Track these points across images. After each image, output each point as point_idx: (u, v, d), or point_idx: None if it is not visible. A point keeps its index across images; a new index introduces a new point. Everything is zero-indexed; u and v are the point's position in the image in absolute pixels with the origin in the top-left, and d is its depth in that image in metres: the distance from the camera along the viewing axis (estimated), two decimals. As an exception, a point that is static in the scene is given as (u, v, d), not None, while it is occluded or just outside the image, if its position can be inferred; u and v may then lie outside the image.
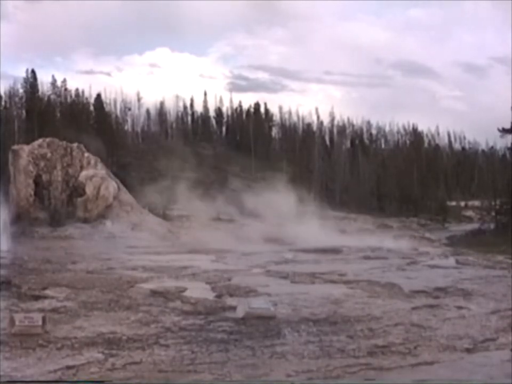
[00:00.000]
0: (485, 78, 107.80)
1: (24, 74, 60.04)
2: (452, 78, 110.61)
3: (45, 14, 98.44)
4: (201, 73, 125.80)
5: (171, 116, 76.79)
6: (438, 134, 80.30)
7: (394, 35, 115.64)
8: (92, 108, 63.45)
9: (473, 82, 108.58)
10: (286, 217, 34.36)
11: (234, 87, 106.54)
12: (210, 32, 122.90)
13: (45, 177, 34.03)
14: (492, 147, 75.01)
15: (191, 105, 78.04)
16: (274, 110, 78.68)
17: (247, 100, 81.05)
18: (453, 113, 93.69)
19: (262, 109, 78.01)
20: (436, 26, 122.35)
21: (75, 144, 35.57)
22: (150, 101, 77.44)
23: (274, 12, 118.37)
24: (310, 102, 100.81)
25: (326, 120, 77.13)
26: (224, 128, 78.96)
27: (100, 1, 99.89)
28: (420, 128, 77.69)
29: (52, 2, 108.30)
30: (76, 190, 34.36)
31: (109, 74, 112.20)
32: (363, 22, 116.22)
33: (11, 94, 59.01)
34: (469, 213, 59.93)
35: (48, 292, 13.96)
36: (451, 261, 23.09)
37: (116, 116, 68.72)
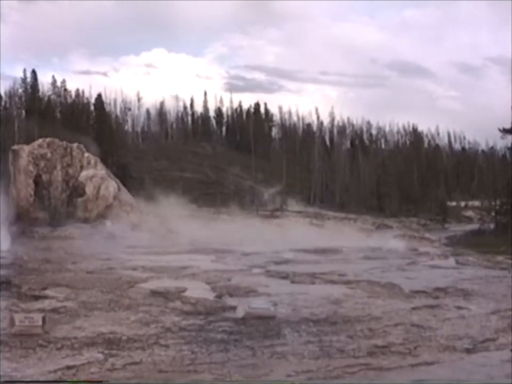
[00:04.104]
0: (481, 78, 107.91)
1: (21, 75, 60.20)
2: (447, 78, 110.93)
3: (41, 14, 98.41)
4: (198, 74, 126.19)
5: (171, 116, 76.88)
6: (438, 134, 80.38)
7: (389, 35, 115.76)
8: (92, 108, 63.46)
9: (469, 82, 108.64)
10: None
11: (231, 88, 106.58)
12: (206, 33, 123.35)
13: (45, 177, 34.01)
14: (492, 147, 75.02)
15: (191, 105, 78.16)
16: (273, 110, 78.84)
17: (244, 100, 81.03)
18: (449, 113, 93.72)
19: (262, 109, 78.13)
20: (430, 27, 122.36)
21: (75, 144, 35.55)
22: (149, 101, 77.53)
23: (269, 12, 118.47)
24: (307, 102, 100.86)
25: (325, 121, 77.24)
26: (224, 128, 79.02)
27: (96, 2, 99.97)
28: (420, 128, 77.79)
29: (48, 2, 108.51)
30: (76, 190, 34.34)
31: (105, 74, 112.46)
32: (358, 22, 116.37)
33: (11, 94, 59.07)
34: (469, 213, 59.92)
35: (48, 292, 13.96)
36: (451, 261, 23.11)
37: (116, 116, 68.76)
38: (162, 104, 76.27)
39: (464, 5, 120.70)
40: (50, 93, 62.60)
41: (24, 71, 60.04)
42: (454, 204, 62.75)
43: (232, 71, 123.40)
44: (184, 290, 14.49)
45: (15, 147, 35.20)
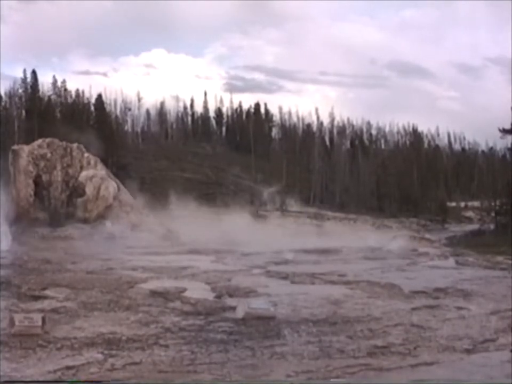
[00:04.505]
0: (480, 78, 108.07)
1: (20, 75, 60.13)
2: (447, 79, 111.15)
3: (40, 14, 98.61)
4: (197, 74, 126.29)
5: (171, 116, 76.90)
6: (438, 134, 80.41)
7: (388, 35, 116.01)
8: (92, 108, 63.44)
9: (469, 82, 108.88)
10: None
11: (231, 88, 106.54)
12: (206, 33, 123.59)
13: (44, 177, 33.98)
14: (492, 148, 75.08)
15: (191, 105, 78.20)
16: (273, 110, 78.83)
17: (243, 101, 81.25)
18: (449, 113, 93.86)
19: (262, 110, 78.14)
20: (430, 27, 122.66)
21: (75, 145, 35.54)
22: (149, 101, 77.57)
23: (269, 12, 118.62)
24: (306, 102, 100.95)
25: (325, 121, 77.24)
26: (224, 129, 79.04)
27: (96, 2, 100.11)
28: (420, 128, 77.83)
29: (47, 3, 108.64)
30: (76, 191, 34.32)
31: (105, 74, 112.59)
32: (357, 22, 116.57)
33: (11, 94, 59.05)
34: (469, 213, 59.96)
35: (48, 292, 13.96)
36: (451, 261, 23.10)
37: (116, 116, 68.75)
38: (162, 104, 76.37)
39: (463, 5, 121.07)
40: (50, 93, 62.59)
41: (24, 71, 60.02)
42: (454, 204, 62.80)
43: (231, 71, 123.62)
44: (184, 290, 14.48)
45: (15, 147, 35.18)
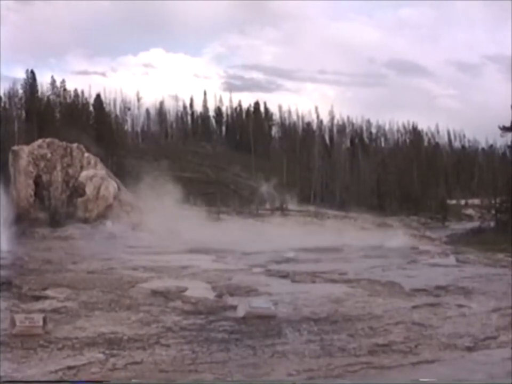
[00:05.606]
0: (478, 76, 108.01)
1: (19, 75, 60.29)
2: (445, 77, 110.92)
3: (38, 15, 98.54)
4: (196, 73, 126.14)
5: (171, 116, 76.89)
6: (438, 132, 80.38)
7: (386, 34, 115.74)
8: (91, 108, 63.42)
9: (467, 80, 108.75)
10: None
11: (230, 87, 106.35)
12: (204, 33, 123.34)
13: (45, 177, 34.01)
14: (492, 145, 74.99)
15: (191, 105, 78.19)
16: (273, 109, 78.78)
17: (242, 100, 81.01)
18: (448, 111, 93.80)
19: (262, 108, 78.10)
20: (428, 25, 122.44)
21: (75, 145, 35.56)
22: (149, 101, 77.55)
23: (267, 12, 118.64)
24: (305, 101, 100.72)
25: (325, 119, 77.19)
26: (223, 128, 79.02)
27: (93, 2, 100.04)
28: (420, 126, 77.80)
29: (45, 3, 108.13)
30: (76, 191, 34.35)
31: (103, 74, 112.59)
32: (355, 21, 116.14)
33: (10, 95, 59.04)
34: (469, 211, 59.91)
35: (48, 292, 13.95)
36: (451, 259, 23.12)
37: (116, 116, 68.74)
38: (161, 104, 76.37)
39: (460, 4, 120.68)
40: (49, 93, 62.59)
41: (27, 71, 60.11)
42: (454, 202, 62.72)
43: (230, 70, 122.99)
44: (185, 289, 14.49)
45: (15, 148, 35.20)
